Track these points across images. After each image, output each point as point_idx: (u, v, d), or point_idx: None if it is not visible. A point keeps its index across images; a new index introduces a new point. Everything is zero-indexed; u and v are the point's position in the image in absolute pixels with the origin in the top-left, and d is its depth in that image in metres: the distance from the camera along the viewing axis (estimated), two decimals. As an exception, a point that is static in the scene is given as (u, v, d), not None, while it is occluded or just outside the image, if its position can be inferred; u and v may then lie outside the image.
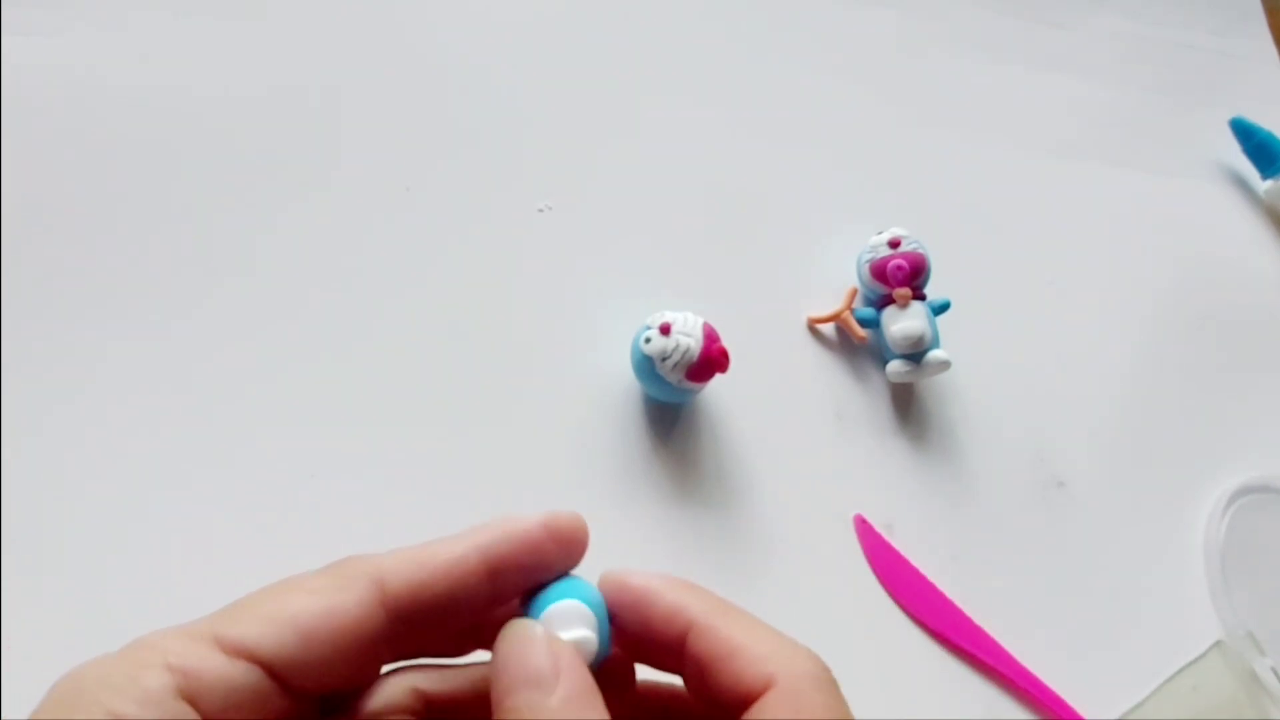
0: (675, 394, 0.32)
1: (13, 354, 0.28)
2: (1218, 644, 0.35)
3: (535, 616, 0.19)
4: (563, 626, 0.19)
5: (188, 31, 0.35)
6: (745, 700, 0.18)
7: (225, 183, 0.33)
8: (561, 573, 0.20)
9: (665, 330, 0.30)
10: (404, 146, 0.36)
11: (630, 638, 0.20)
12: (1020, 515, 0.36)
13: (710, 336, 0.31)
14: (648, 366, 0.31)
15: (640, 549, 0.31)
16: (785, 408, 0.35)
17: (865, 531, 0.33)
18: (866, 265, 0.36)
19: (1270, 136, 0.48)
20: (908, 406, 0.37)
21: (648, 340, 0.31)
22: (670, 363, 0.30)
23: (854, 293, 0.37)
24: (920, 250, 0.36)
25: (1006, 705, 0.32)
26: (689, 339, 0.30)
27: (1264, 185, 0.48)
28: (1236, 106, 0.49)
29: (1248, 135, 0.48)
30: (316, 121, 0.35)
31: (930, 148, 0.44)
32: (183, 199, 0.32)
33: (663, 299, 0.36)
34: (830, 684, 0.18)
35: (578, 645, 0.19)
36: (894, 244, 0.36)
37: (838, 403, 0.36)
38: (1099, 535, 0.36)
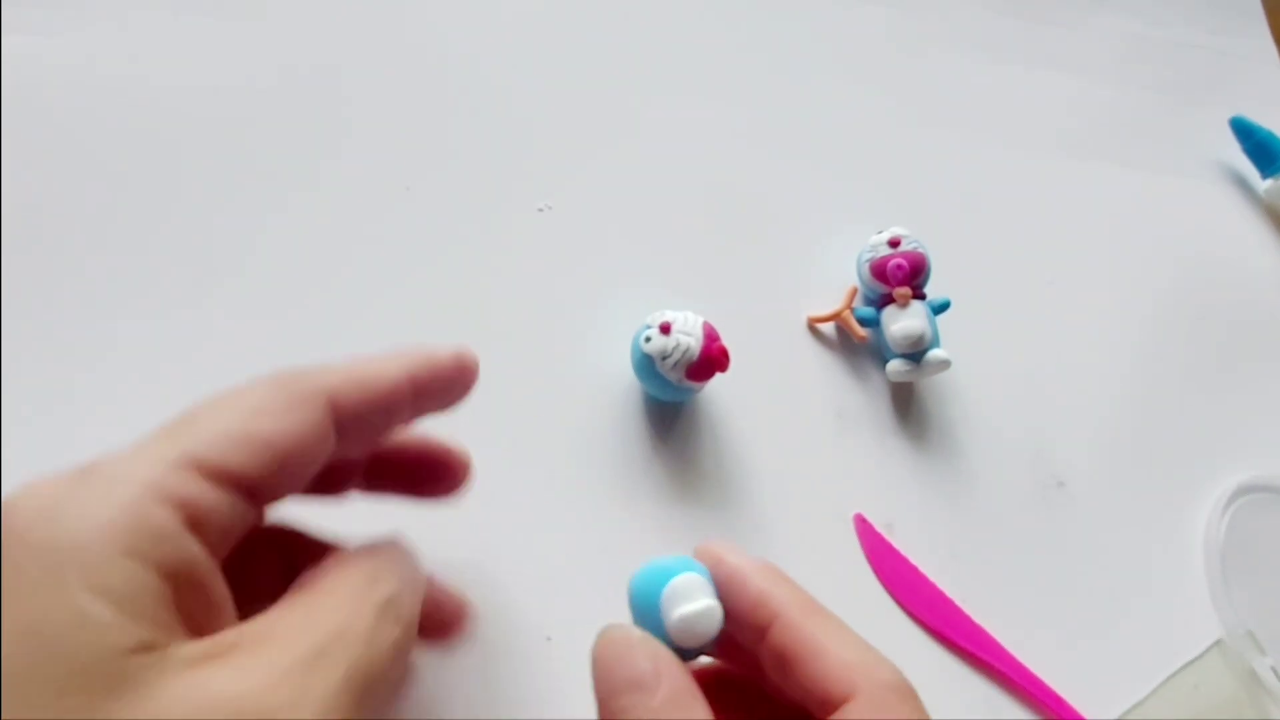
0: (675, 393, 0.32)
1: (12, 354, 0.28)
2: (1218, 643, 0.35)
3: (659, 587, 0.20)
4: (688, 598, 0.20)
5: (188, 30, 0.35)
6: (824, 704, 0.18)
7: (225, 182, 0.33)
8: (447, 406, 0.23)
9: (665, 329, 0.30)
10: (404, 146, 0.36)
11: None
12: (1020, 514, 0.36)
13: (710, 335, 0.31)
14: (648, 365, 0.31)
15: (640, 548, 0.31)
16: (785, 407, 0.35)
17: (865, 530, 0.33)
18: (866, 264, 0.36)
19: (1270, 136, 0.48)
20: (908, 406, 0.37)
21: (648, 339, 0.30)
22: (670, 361, 0.30)
23: (854, 292, 0.37)
24: (920, 249, 0.36)
25: (1006, 704, 0.32)
26: (689, 338, 0.30)
27: (1264, 184, 0.48)
28: (1236, 106, 0.49)
29: (1247, 134, 0.48)
30: (316, 121, 0.35)
31: (930, 147, 0.44)
32: (182, 198, 0.32)
33: (662, 298, 0.36)
34: (913, 697, 0.19)
35: (707, 613, 0.20)
36: (894, 243, 0.36)
37: (838, 402, 0.36)
38: (1099, 534, 0.36)
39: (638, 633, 0.19)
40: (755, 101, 0.42)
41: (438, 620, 0.23)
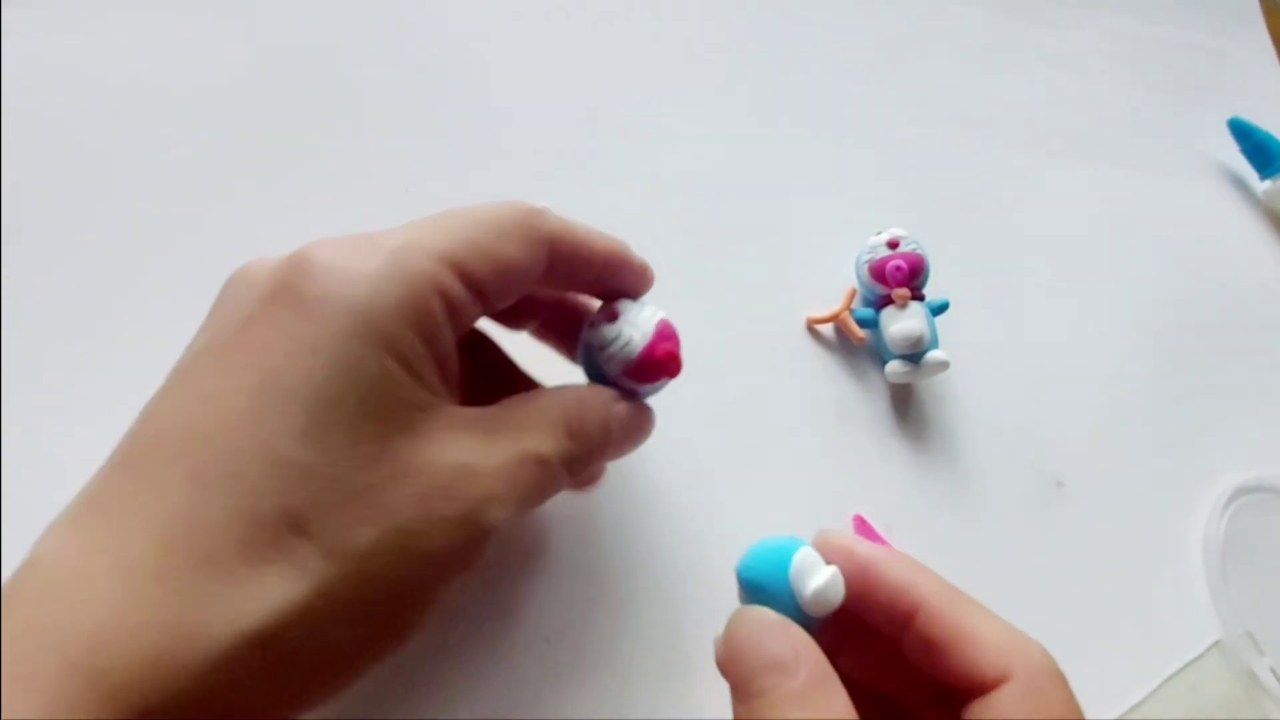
0: (626, 390, 0.28)
1: (12, 355, 0.28)
2: (1217, 644, 0.35)
3: (785, 564, 0.21)
4: (813, 571, 0.21)
5: (187, 30, 0.35)
6: (977, 688, 0.19)
7: (224, 183, 0.33)
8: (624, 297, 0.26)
9: (611, 317, 0.26)
10: (403, 147, 0.36)
11: (851, 607, 0.21)
12: (1019, 515, 0.36)
13: (663, 334, 0.26)
14: (586, 355, 0.27)
15: (640, 550, 0.31)
16: (784, 408, 0.35)
17: (864, 531, 0.33)
18: (865, 266, 0.36)
19: (1268, 137, 0.48)
20: (907, 407, 0.37)
21: (591, 324, 0.27)
22: (608, 354, 0.26)
23: (853, 293, 0.37)
24: (919, 251, 0.36)
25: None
26: (634, 331, 0.26)
27: (1262, 185, 0.49)
28: (1234, 106, 0.49)
29: (1246, 135, 0.48)
30: (317, 121, 0.35)
31: (928, 148, 0.44)
32: (181, 199, 0.32)
33: (663, 300, 0.36)
34: (1064, 682, 0.19)
35: (833, 583, 0.20)
36: (893, 244, 0.36)
37: (837, 403, 0.36)
38: (1098, 535, 0.36)
39: (775, 615, 0.20)
40: (754, 102, 0.42)
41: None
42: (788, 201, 0.40)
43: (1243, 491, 0.38)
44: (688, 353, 0.35)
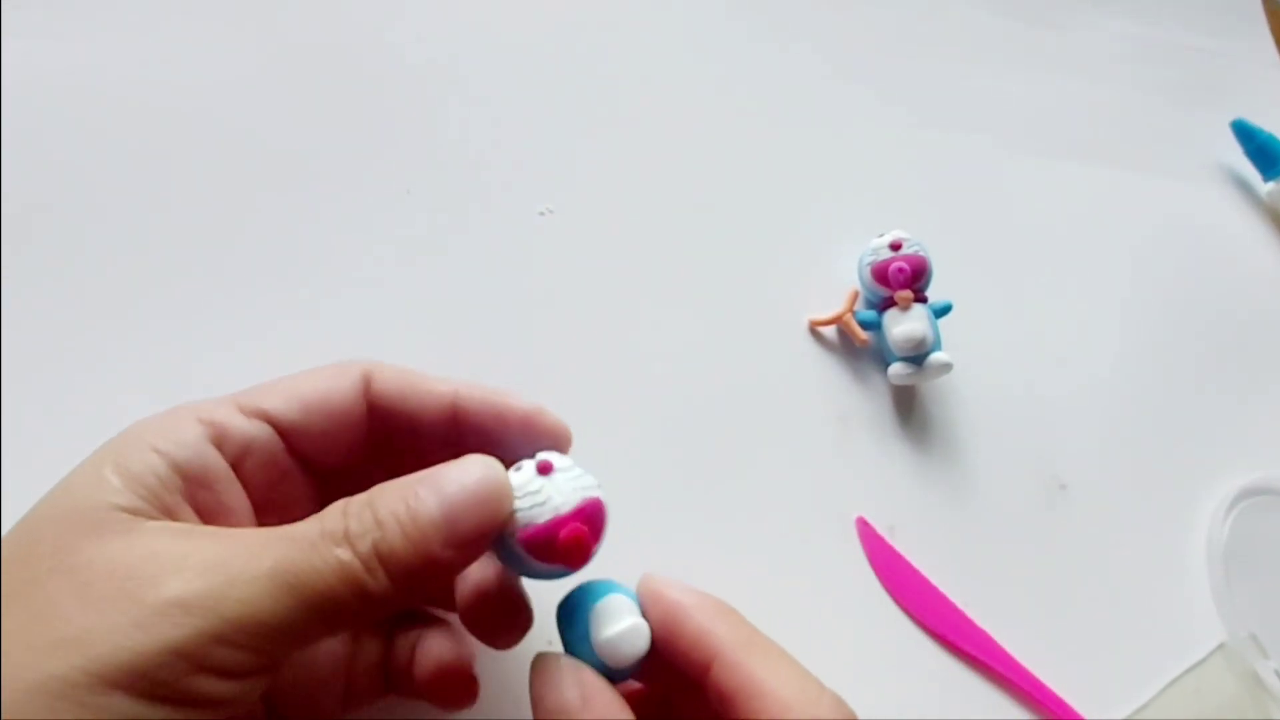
0: (512, 558, 0.21)
1: (12, 360, 0.28)
2: (1221, 646, 0.35)
3: (587, 609, 0.21)
4: (615, 619, 0.20)
5: (189, 33, 0.35)
6: None
7: (225, 186, 0.33)
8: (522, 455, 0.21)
9: (543, 469, 0.21)
10: (404, 149, 0.36)
11: (658, 652, 0.21)
12: (1022, 517, 0.36)
13: (582, 513, 0.21)
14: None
15: (642, 552, 0.31)
16: (786, 410, 0.35)
17: (867, 534, 0.33)
18: (868, 267, 0.36)
19: (1271, 139, 0.48)
20: (909, 409, 0.37)
21: (516, 467, 0.21)
22: (516, 510, 0.20)
23: (855, 295, 0.37)
24: (922, 252, 0.36)
25: (1009, 707, 0.32)
26: (557, 496, 0.20)
27: (1265, 187, 0.48)
28: (1237, 108, 0.49)
29: (1249, 137, 0.48)
30: (319, 124, 0.35)
31: (931, 149, 0.44)
32: (183, 202, 0.32)
33: (664, 302, 0.36)
34: None
35: (633, 631, 0.20)
36: (895, 246, 0.36)
37: (839, 405, 0.36)
38: (1102, 537, 0.36)
39: (564, 659, 0.20)
40: (756, 104, 0.42)
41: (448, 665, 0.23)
42: (790, 203, 0.40)
43: (1247, 494, 0.38)
44: (690, 355, 0.35)
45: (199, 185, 0.33)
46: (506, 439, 0.22)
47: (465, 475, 0.19)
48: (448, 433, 0.22)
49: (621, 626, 0.20)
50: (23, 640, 0.16)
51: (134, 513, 0.18)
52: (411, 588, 0.18)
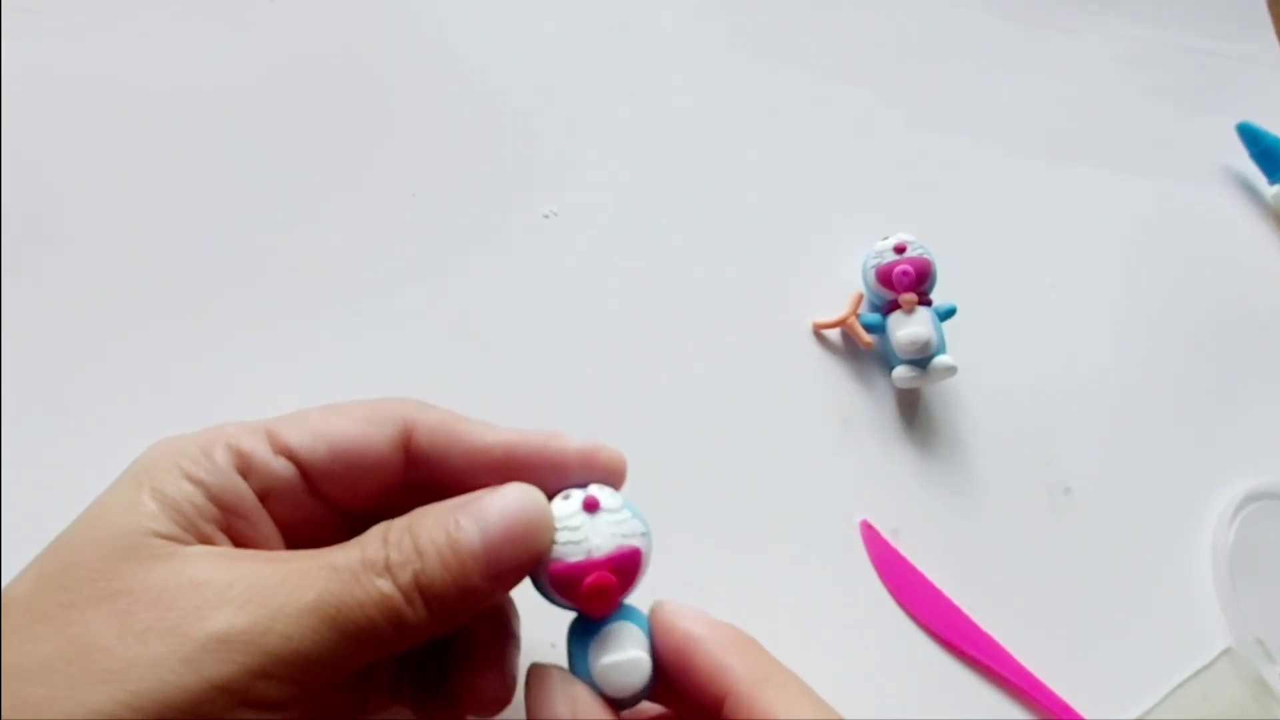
0: (539, 584, 0.21)
1: (12, 367, 0.28)
2: (1227, 651, 0.35)
3: (593, 632, 0.20)
4: (616, 647, 0.20)
5: (190, 37, 0.36)
6: None
7: (227, 190, 0.33)
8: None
9: (590, 506, 0.21)
10: (408, 152, 0.36)
11: (671, 683, 0.21)
12: (1027, 521, 0.36)
13: (616, 561, 0.20)
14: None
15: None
16: (791, 413, 0.35)
17: (871, 537, 0.33)
18: (872, 270, 0.36)
19: (1277, 141, 0.48)
20: (914, 412, 0.37)
21: (565, 495, 0.21)
22: (556, 546, 0.20)
23: (859, 298, 0.37)
24: (926, 255, 0.36)
25: (1014, 712, 0.32)
26: (597, 537, 0.20)
27: (1271, 190, 0.48)
28: (1243, 111, 0.49)
29: (1254, 140, 0.48)
30: (320, 128, 0.35)
31: (936, 153, 0.44)
32: (185, 206, 0.32)
33: (668, 306, 0.36)
34: None
35: (631, 664, 0.20)
36: (900, 249, 0.36)
37: (843, 408, 0.36)
38: (1107, 541, 0.36)
39: (558, 673, 0.20)
40: (760, 107, 0.42)
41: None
42: (795, 206, 0.40)
43: (1252, 498, 0.38)
44: (694, 358, 0.35)
45: (196, 190, 0.33)
46: (562, 481, 0.21)
47: (507, 506, 0.19)
48: (496, 480, 0.21)
49: (621, 657, 0.20)
50: (64, 672, 0.16)
51: (171, 539, 0.18)
52: (449, 617, 0.19)
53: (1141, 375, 0.41)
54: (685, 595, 0.29)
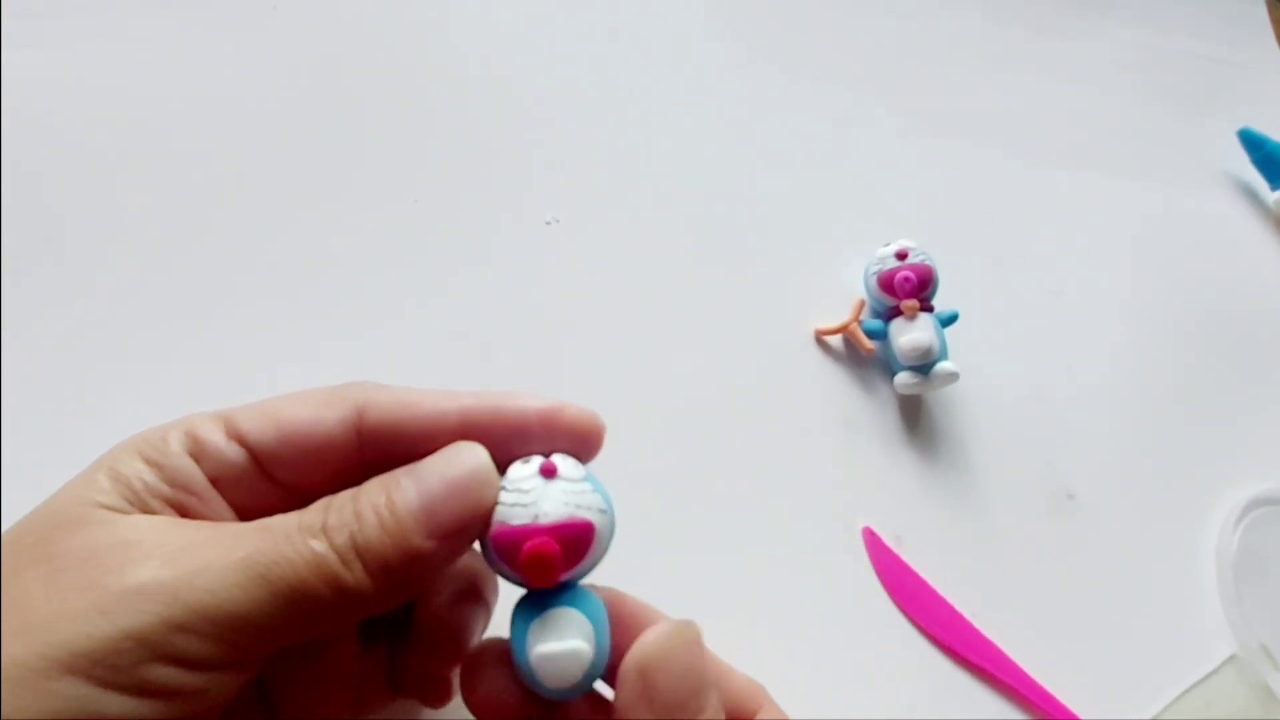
0: (487, 553, 0.20)
1: (13, 374, 0.28)
2: (1231, 658, 0.34)
3: (529, 621, 0.19)
4: (555, 635, 0.19)
5: (192, 43, 0.36)
6: None
7: (229, 195, 0.33)
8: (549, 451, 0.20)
9: (548, 471, 0.20)
10: (411, 158, 0.36)
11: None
12: (1030, 527, 0.36)
13: (563, 529, 0.19)
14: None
15: (647, 561, 0.31)
16: (793, 419, 0.35)
17: (874, 544, 0.33)
18: (874, 277, 0.36)
19: (1279, 147, 0.48)
20: (916, 418, 0.37)
21: (524, 459, 0.20)
22: (502, 500, 0.19)
23: (861, 304, 0.37)
24: (928, 262, 0.36)
25: (1018, 718, 0.32)
26: (547, 503, 0.19)
27: (1273, 196, 0.48)
28: (1244, 117, 0.49)
29: (1256, 146, 0.48)
30: (320, 132, 0.36)
31: (937, 158, 0.44)
32: (186, 214, 0.33)
33: (670, 312, 0.36)
34: None
35: (570, 656, 0.19)
36: (901, 255, 0.36)
37: (845, 414, 0.36)
38: (1110, 548, 0.36)
39: (491, 653, 0.20)
40: (763, 114, 0.43)
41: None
42: (796, 213, 0.40)
43: (1256, 504, 0.38)
44: (696, 365, 0.35)
45: (199, 197, 0.33)
46: (528, 445, 0.21)
47: (447, 465, 0.19)
48: (444, 437, 0.21)
49: (559, 647, 0.19)
50: None
51: (115, 510, 0.18)
52: (394, 582, 0.18)
53: (1144, 380, 0.41)
54: (687, 603, 0.29)
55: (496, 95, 0.39)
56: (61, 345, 0.29)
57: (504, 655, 0.20)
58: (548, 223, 0.36)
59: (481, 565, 0.23)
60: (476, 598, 0.23)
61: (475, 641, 0.23)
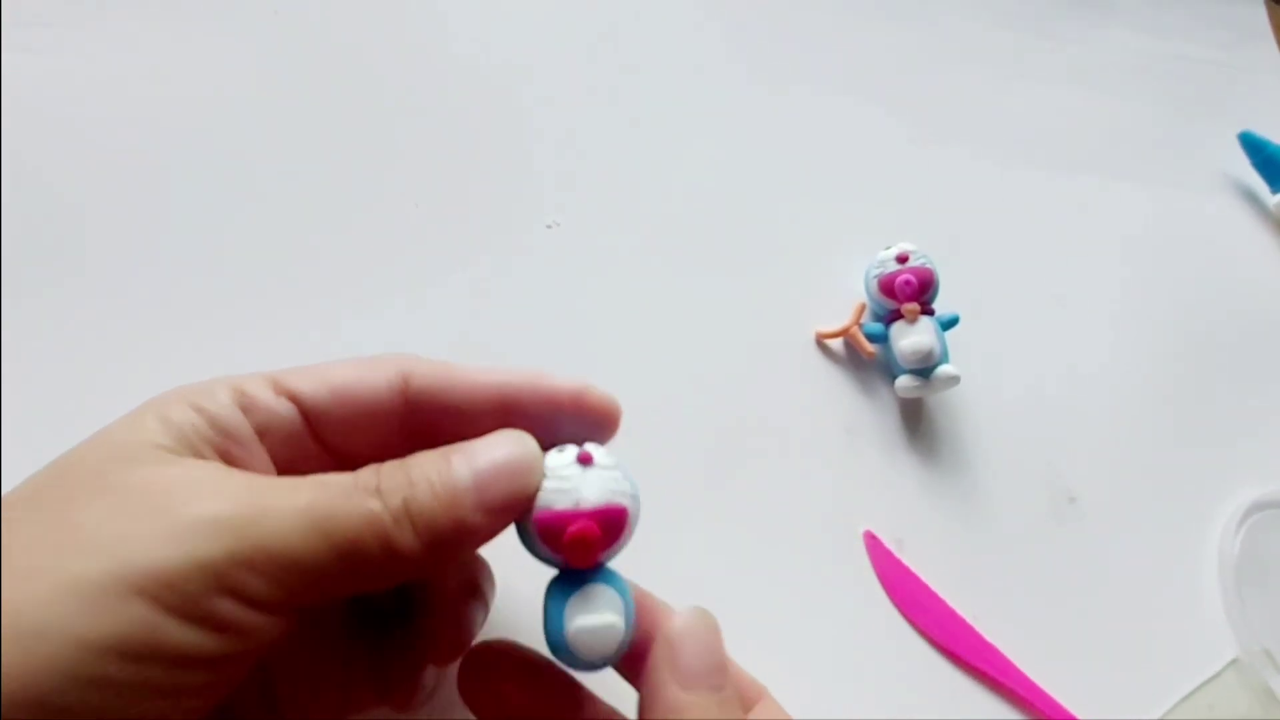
0: (526, 537, 0.21)
1: (13, 379, 0.28)
2: (1234, 662, 0.34)
3: (569, 594, 0.20)
4: (593, 609, 0.20)
5: (193, 47, 0.36)
6: None
7: (230, 199, 0.33)
8: (581, 438, 0.22)
9: (584, 459, 0.21)
10: (412, 162, 0.36)
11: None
12: (1031, 531, 0.36)
13: (603, 514, 0.20)
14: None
15: (648, 563, 0.31)
16: (793, 423, 0.35)
17: (875, 547, 0.33)
18: (875, 280, 0.36)
19: (1279, 150, 0.48)
20: (917, 422, 0.37)
21: (559, 448, 0.21)
22: (543, 488, 0.20)
23: (862, 308, 0.37)
24: (928, 265, 0.36)
25: (1019, 724, 0.32)
26: (587, 489, 0.20)
27: (1274, 199, 0.48)
28: (1245, 120, 0.49)
29: (1256, 149, 0.48)
30: (322, 135, 0.36)
31: (937, 162, 0.44)
32: (188, 215, 0.33)
33: (670, 316, 0.36)
34: None
35: (607, 630, 0.20)
36: (902, 259, 0.36)
37: (846, 418, 0.36)
38: (1112, 551, 0.36)
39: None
40: (763, 118, 0.43)
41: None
42: (797, 216, 0.40)
43: (1258, 507, 0.38)
44: (697, 368, 0.35)
45: (199, 199, 0.33)
46: (557, 421, 0.22)
47: (497, 448, 0.20)
48: (496, 423, 0.21)
49: (597, 620, 0.20)
50: (51, 543, 0.16)
51: (171, 451, 0.18)
52: (439, 550, 0.19)
53: (1145, 384, 0.41)
54: (689, 604, 0.29)
55: (499, 100, 0.39)
56: (63, 344, 0.29)
57: (505, 655, 0.21)
58: (548, 226, 0.36)
59: (482, 565, 0.24)
60: (478, 594, 0.23)
61: (476, 636, 0.23)
